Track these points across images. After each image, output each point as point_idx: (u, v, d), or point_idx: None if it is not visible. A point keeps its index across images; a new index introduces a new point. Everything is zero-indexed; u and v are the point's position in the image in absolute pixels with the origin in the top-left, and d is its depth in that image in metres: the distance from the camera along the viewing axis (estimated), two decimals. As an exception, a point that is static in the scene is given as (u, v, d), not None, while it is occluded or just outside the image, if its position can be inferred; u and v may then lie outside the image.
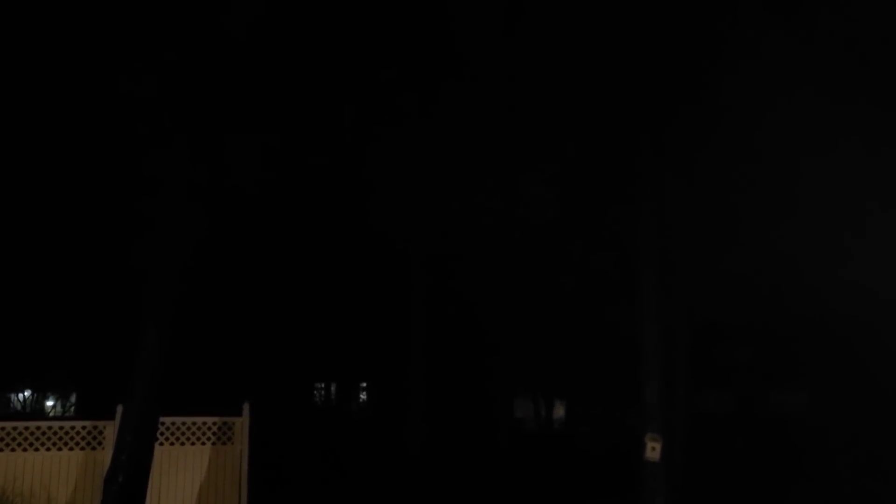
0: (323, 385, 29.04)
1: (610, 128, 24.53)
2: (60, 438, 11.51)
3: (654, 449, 10.68)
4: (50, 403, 26.11)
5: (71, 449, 11.52)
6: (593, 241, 26.20)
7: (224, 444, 12.35)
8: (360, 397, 29.94)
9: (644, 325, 11.09)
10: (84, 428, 11.66)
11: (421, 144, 21.52)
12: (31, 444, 11.35)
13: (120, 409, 11.10)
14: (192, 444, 12.21)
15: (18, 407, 24.86)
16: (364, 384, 29.93)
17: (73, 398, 25.78)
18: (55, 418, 23.33)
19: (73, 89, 19.39)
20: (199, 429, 12.28)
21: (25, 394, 25.20)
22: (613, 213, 26.24)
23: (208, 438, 12.29)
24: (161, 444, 11.82)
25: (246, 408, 12.52)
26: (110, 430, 11.46)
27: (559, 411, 28.23)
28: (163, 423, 11.81)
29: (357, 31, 22.39)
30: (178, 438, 12.15)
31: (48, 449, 11.43)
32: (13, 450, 11.29)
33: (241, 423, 12.46)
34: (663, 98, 12.09)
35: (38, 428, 11.55)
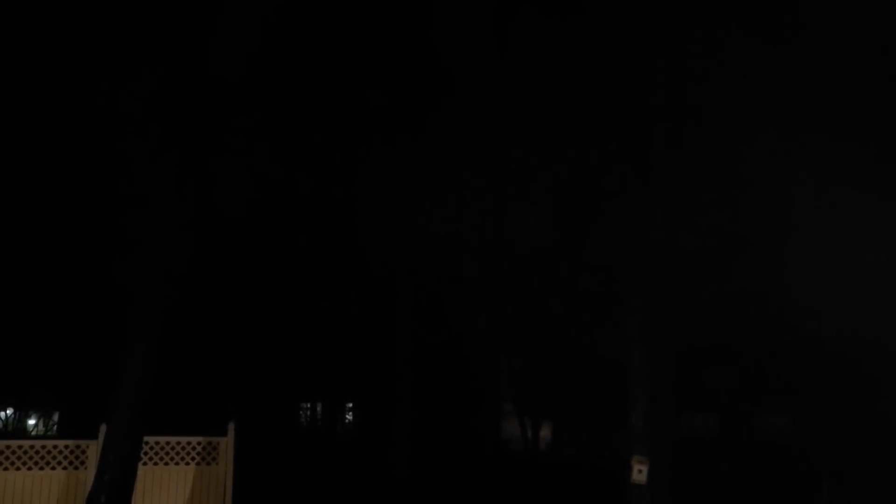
0: (308, 405, 28.87)
1: (597, 152, 24.75)
2: (42, 458, 11.38)
3: (640, 472, 10.68)
4: (32, 422, 25.84)
5: (53, 468, 11.40)
6: (580, 263, 26.34)
7: (208, 464, 12.25)
8: (346, 418, 29.77)
9: (631, 348, 11.13)
10: (66, 447, 11.54)
11: (409, 166, 21.67)
12: (12, 464, 11.22)
13: (103, 428, 11.00)
14: (176, 464, 12.10)
15: (0, 426, 24.59)
16: (350, 405, 29.77)
17: (55, 417, 25.50)
18: (37, 437, 23.07)
19: (58, 103, 19.41)
20: (183, 448, 12.18)
21: (7, 412, 24.91)
22: (600, 236, 26.44)
23: (192, 458, 12.18)
24: (144, 463, 11.71)
25: (231, 428, 12.43)
26: (93, 449, 11.35)
27: (546, 433, 28.14)
28: (146, 443, 11.70)
29: (346, 52, 22.57)
30: (161, 458, 12.03)
31: (30, 468, 11.29)
32: (-6, 469, 11.17)
33: (226, 444, 12.36)
34: (648, 124, 12.19)
35: (20, 447, 11.42)
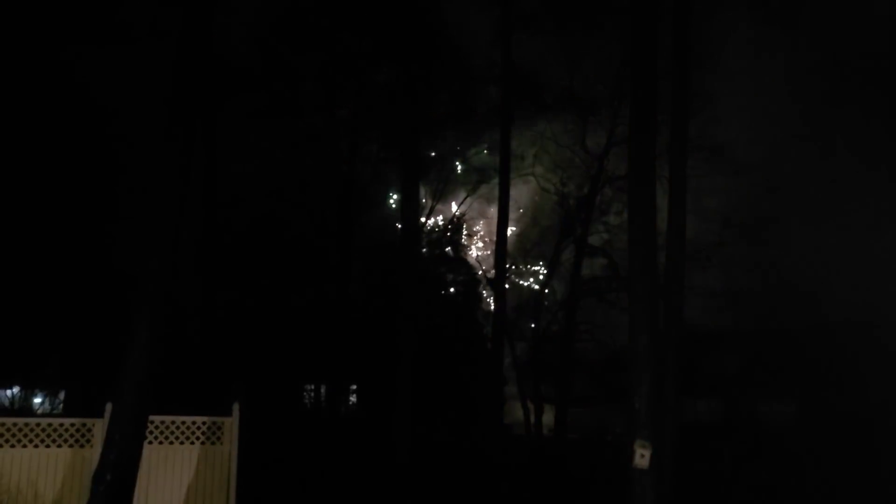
0: (312, 387, 28.95)
1: (602, 135, 24.59)
2: (49, 435, 11.45)
3: (643, 456, 10.69)
4: (38, 400, 25.99)
5: (59, 446, 11.48)
6: (584, 247, 26.35)
7: (213, 444, 12.32)
8: (349, 400, 29.87)
9: (635, 333, 11.10)
10: (73, 425, 11.62)
11: (410, 146, 21.61)
12: (18, 441, 11.30)
13: (109, 406, 11.06)
14: (181, 443, 12.18)
15: (6, 403, 24.71)
16: (354, 386, 29.87)
17: (61, 395, 25.62)
18: (43, 415, 23.21)
19: (70, 87, 19.40)
20: (188, 428, 12.25)
21: (13, 390, 25.04)
22: (606, 221, 26.44)
23: (197, 438, 12.25)
24: (150, 442, 11.78)
25: (235, 408, 12.49)
26: (99, 427, 11.42)
27: (549, 417, 28.21)
28: (152, 422, 11.77)
29: (351, 30, 22.44)
30: (167, 437, 12.11)
31: (36, 446, 11.37)
32: (0, 446, 11.24)
33: (231, 424, 12.43)
34: (655, 108, 12.12)
35: (27, 424, 11.49)
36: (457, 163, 28.42)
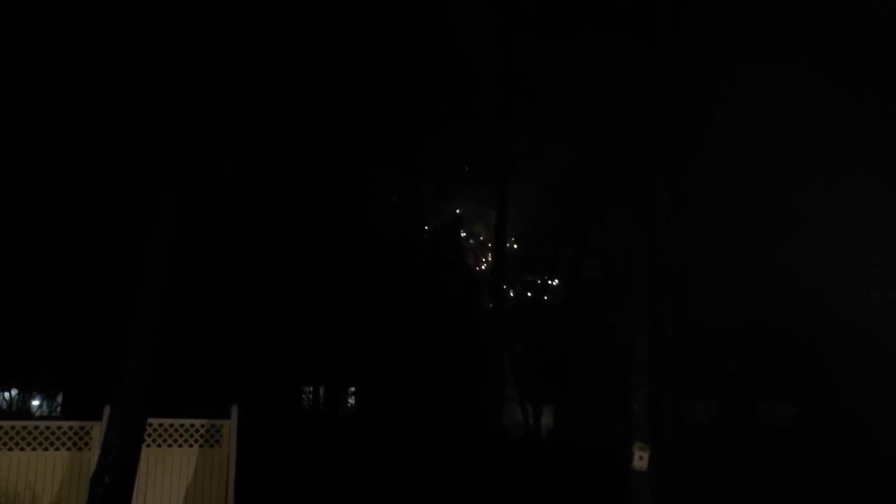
0: (311, 389, 28.95)
1: (603, 139, 24.63)
2: (46, 438, 11.43)
3: (641, 458, 10.68)
4: (36, 403, 25.96)
5: (57, 449, 11.45)
6: (584, 249, 26.36)
7: (212, 446, 12.29)
8: (348, 402, 29.88)
9: (634, 335, 11.10)
10: (70, 428, 11.59)
11: (414, 149, 21.63)
12: (16, 444, 11.27)
13: (107, 409, 11.05)
14: (180, 446, 12.15)
15: (4, 406, 24.69)
16: (352, 388, 29.87)
17: (59, 398, 25.59)
18: (41, 418, 23.19)
19: (61, 87, 19.35)
20: (186, 431, 12.22)
21: (11, 393, 25.02)
22: (605, 223, 26.46)
23: (196, 441, 12.23)
24: (148, 445, 11.76)
25: (234, 410, 12.46)
26: (97, 430, 11.40)
27: (547, 419, 28.25)
28: (150, 425, 11.74)
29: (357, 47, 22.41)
30: (165, 440, 12.08)
31: (34, 449, 11.34)
32: (-2, 449, 11.22)
33: (229, 426, 12.40)
34: (655, 112, 12.12)
35: (24, 427, 11.46)
36: (457, 163, 28.39)
